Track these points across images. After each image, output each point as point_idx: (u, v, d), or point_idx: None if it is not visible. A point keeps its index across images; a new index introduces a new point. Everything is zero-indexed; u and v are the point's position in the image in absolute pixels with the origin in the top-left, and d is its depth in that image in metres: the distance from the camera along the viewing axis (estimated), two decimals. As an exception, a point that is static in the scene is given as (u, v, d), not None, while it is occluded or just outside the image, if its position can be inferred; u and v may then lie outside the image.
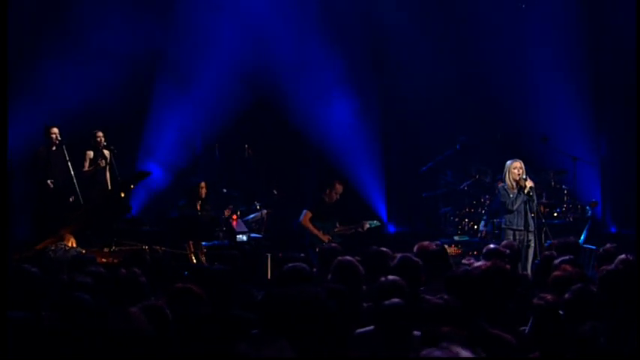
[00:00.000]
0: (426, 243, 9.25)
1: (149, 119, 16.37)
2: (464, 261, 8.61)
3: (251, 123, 17.13)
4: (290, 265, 7.13)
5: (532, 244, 12.61)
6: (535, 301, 5.95)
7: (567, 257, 7.71)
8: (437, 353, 3.44)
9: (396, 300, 5.96)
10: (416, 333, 5.97)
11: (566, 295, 5.96)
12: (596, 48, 17.33)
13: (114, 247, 12.07)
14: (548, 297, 5.93)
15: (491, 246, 9.04)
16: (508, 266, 6.92)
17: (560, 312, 5.82)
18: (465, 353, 3.47)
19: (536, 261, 12.12)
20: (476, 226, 16.21)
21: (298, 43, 17.02)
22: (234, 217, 14.13)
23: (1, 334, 5.16)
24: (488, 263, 6.88)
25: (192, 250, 12.90)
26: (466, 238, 15.85)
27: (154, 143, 16.36)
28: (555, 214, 15.71)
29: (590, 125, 17.21)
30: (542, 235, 12.96)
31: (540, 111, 16.88)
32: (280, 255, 13.41)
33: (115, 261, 11.20)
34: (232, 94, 16.48)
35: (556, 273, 6.93)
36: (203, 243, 13.23)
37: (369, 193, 17.54)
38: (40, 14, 15.55)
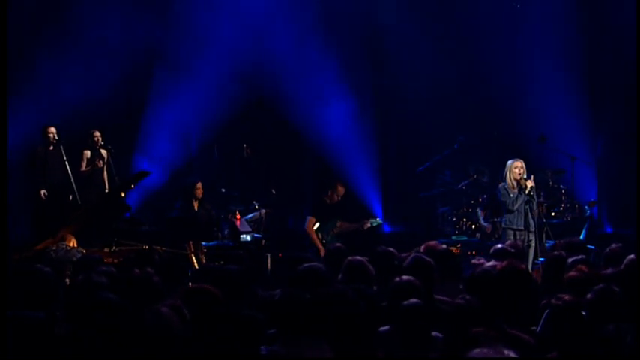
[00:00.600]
0: (432, 243, 9.24)
1: (147, 118, 16.31)
2: (474, 261, 8.57)
3: (250, 123, 17.11)
4: (306, 265, 7.09)
5: (532, 244, 12.64)
6: (553, 301, 5.94)
7: (580, 257, 7.70)
8: (485, 351, 3.41)
9: (414, 300, 5.95)
10: (435, 334, 5.96)
11: (589, 296, 5.94)
12: (594, 48, 17.33)
13: (114, 247, 12.05)
14: (566, 297, 5.92)
15: (499, 246, 9.02)
16: (523, 266, 6.93)
17: (583, 312, 5.80)
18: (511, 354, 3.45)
19: (536, 261, 12.16)
20: (474, 226, 16.26)
21: (297, 43, 16.99)
22: (238, 216, 14.12)
23: (1, 334, 5.13)
24: (504, 263, 6.87)
25: (193, 250, 12.87)
26: (464, 238, 15.87)
27: (152, 143, 16.30)
28: (553, 214, 15.73)
29: (587, 125, 17.22)
30: (543, 235, 13.00)
31: (538, 111, 16.89)
32: (280, 255, 13.44)
33: (116, 261, 11.15)
34: (231, 94, 16.45)
35: (571, 273, 6.91)
36: (203, 243, 13.24)
37: (365, 192, 17.52)
38: (39, 14, 15.49)
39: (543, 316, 6.81)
